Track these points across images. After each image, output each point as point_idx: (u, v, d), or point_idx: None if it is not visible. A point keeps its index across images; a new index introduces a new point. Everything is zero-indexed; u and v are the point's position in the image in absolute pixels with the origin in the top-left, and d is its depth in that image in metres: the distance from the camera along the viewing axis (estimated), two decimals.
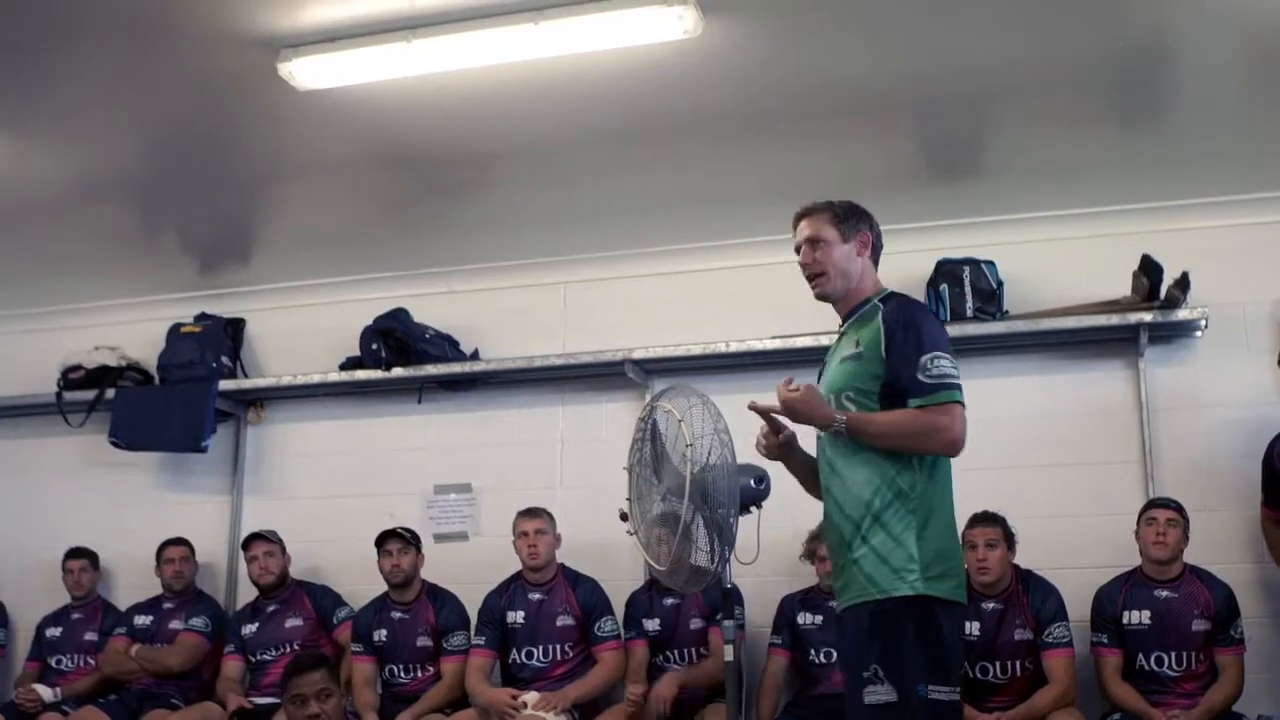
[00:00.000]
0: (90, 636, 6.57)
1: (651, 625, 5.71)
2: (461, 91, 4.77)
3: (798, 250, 3.62)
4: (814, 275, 3.59)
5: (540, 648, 5.73)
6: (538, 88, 4.76)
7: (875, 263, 3.66)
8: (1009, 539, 5.20)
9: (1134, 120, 5.17)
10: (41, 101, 4.92)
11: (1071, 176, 5.60)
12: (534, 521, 5.80)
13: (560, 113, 5.00)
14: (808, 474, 3.69)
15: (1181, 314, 5.53)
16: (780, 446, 3.64)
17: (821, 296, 3.62)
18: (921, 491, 3.38)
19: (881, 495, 3.37)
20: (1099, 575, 5.33)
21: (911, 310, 3.51)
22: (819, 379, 3.68)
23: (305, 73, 4.51)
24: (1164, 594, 5.13)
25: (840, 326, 3.65)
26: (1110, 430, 5.75)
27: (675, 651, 5.66)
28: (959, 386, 3.37)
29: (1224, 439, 5.61)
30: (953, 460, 3.48)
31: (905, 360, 3.37)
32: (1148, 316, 5.55)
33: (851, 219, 3.60)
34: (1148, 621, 5.12)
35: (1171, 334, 5.75)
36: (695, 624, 5.62)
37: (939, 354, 3.37)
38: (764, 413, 3.58)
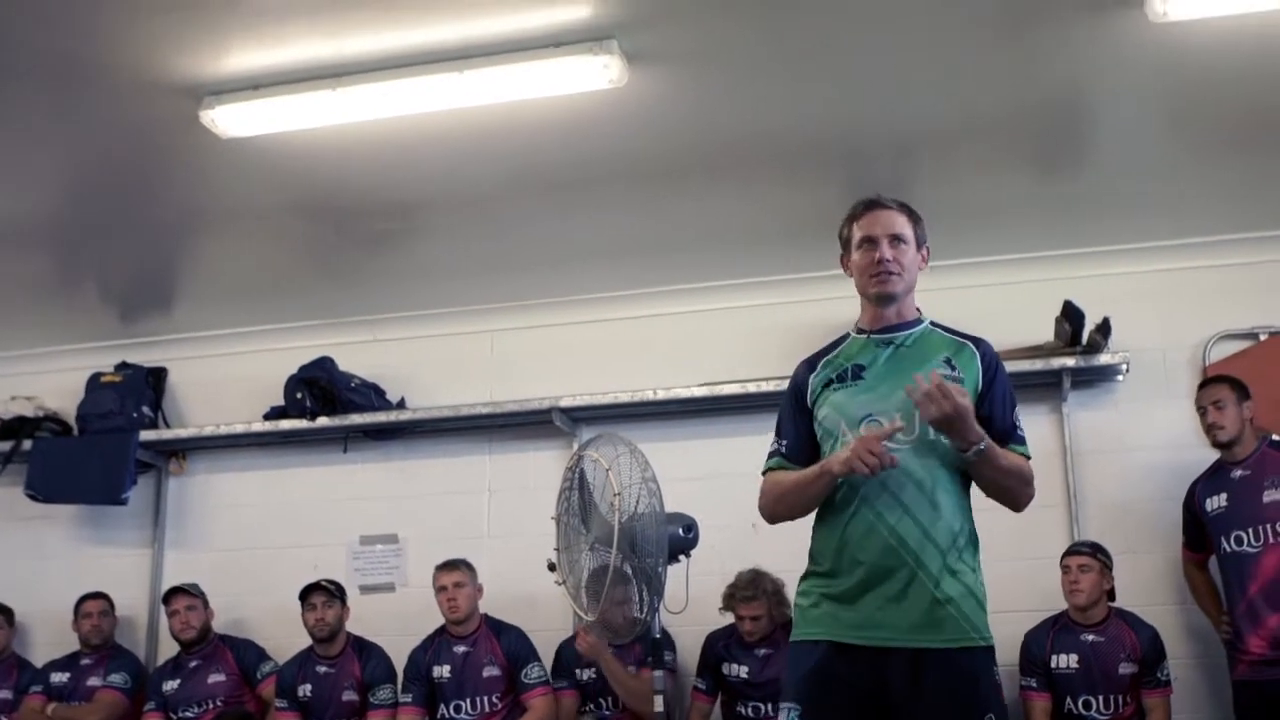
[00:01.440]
0: (4, 694, 6.40)
1: (586, 675, 5.65)
2: (387, 140, 4.75)
3: (871, 241, 3.24)
4: (888, 273, 3.23)
5: (468, 700, 5.66)
6: (463, 136, 4.74)
7: None
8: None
9: (1054, 168, 5.25)
10: None
11: (994, 223, 5.67)
12: (452, 575, 5.74)
13: (486, 161, 4.99)
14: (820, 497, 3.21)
15: (1103, 359, 5.62)
16: (893, 465, 3.03)
17: (884, 296, 3.25)
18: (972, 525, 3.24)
19: (966, 531, 3.17)
20: (1026, 619, 5.36)
21: (998, 356, 3.33)
22: (849, 388, 3.24)
23: (228, 120, 4.46)
24: (1090, 638, 5.16)
25: (870, 331, 3.30)
26: (1035, 474, 5.78)
27: (609, 699, 5.61)
28: None
29: (1147, 482, 5.69)
30: None
31: (1007, 405, 3.22)
32: (1070, 362, 5.63)
33: (922, 226, 3.36)
34: (1076, 665, 5.15)
35: (1094, 379, 5.83)
36: (631, 670, 5.57)
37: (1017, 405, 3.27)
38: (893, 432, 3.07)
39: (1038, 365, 5.66)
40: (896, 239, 3.25)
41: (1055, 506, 5.74)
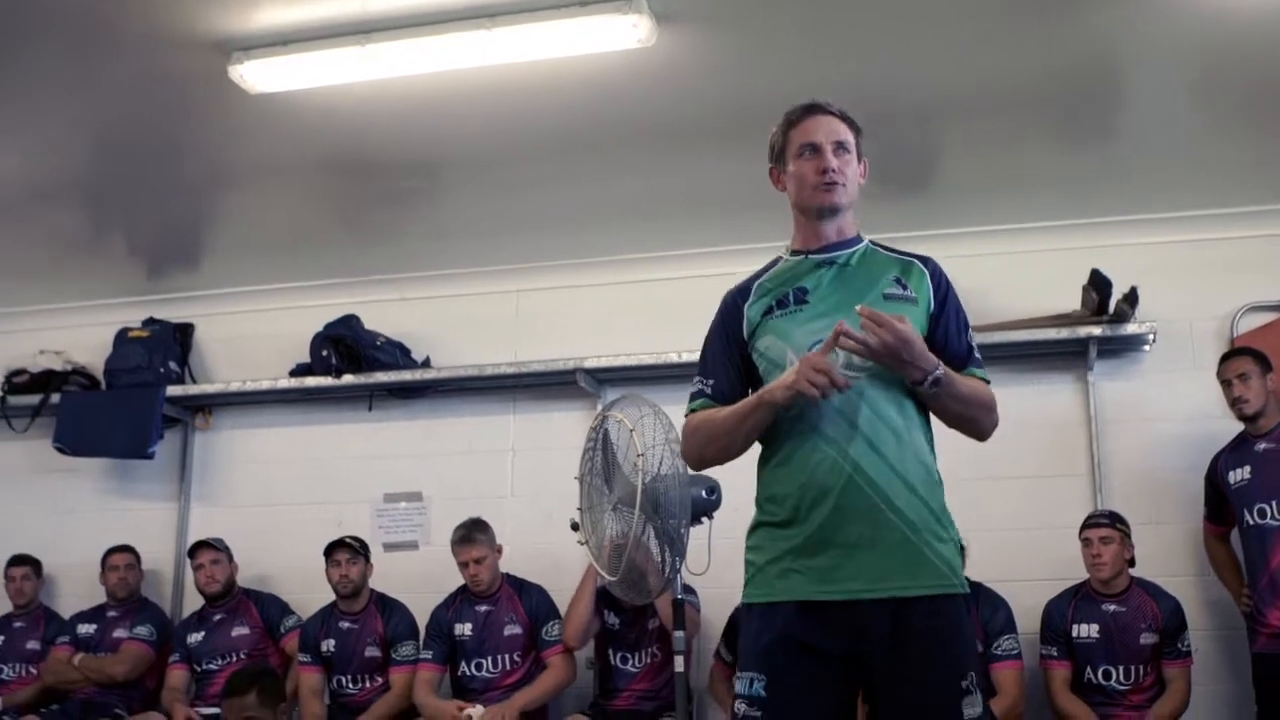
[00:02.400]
0: (33, 645, 6.47)
1: (613, 619, 5.67)
2: (414, 97, 4.74)
3: (814, 149, 2.93)
4: (834, 183, 2.90)
5: (489, 659, 5.69)
6: (491, 94, 4.74)
7: None
8: (959, 551, 5.21)
9: (1083, 137, 5.21)
10: None
11: (1021, 191, 5.64)
12: (471, 550, 5.71)
13: (514, 120, 4.98)
14: (763, 426, 2.88)
15: (1130, 328, 5.58)
16: (844, 387, 2.69)
17: (828, 209, 2.93)
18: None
19: (935, 467, 2.85)
20: (1048, 588, 5.37)
21: (946, 273, 3.01)
22: (793, 314, 2.92)
23: (257, 76, 4.47)
24: (1112, 608, 5.16)
25: (809, 251, 2.99)
26: (1059, 443, 5.79)
27: (635, 654, 5.63)
28: None
29: (1170, 453, 5.67)
30: None
31: (961, 325, 2.92)
32: (1096, 331, 5.60)
33: (862, 137, 3.02)
34: (1096, 635, 5.15)
35: (1120, 348, 5.80)
36: (653, 624, 5.59)
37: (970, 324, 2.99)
38: (850, 339, 2.69)
39: (1064, 333, 5.64)
40: (840, 146, 2.93)
41: (1079, 475, 5.74)
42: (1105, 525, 5.20)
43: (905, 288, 2.89)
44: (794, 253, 3.01)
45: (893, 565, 2.70)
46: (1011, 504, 5.71)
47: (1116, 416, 5.79)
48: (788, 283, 2.95)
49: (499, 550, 5.84)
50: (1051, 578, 5.41)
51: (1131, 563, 5.24)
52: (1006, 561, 5.50)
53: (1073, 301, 5.73)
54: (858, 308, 2.69)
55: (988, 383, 2.90)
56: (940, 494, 2.82)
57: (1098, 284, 5.58)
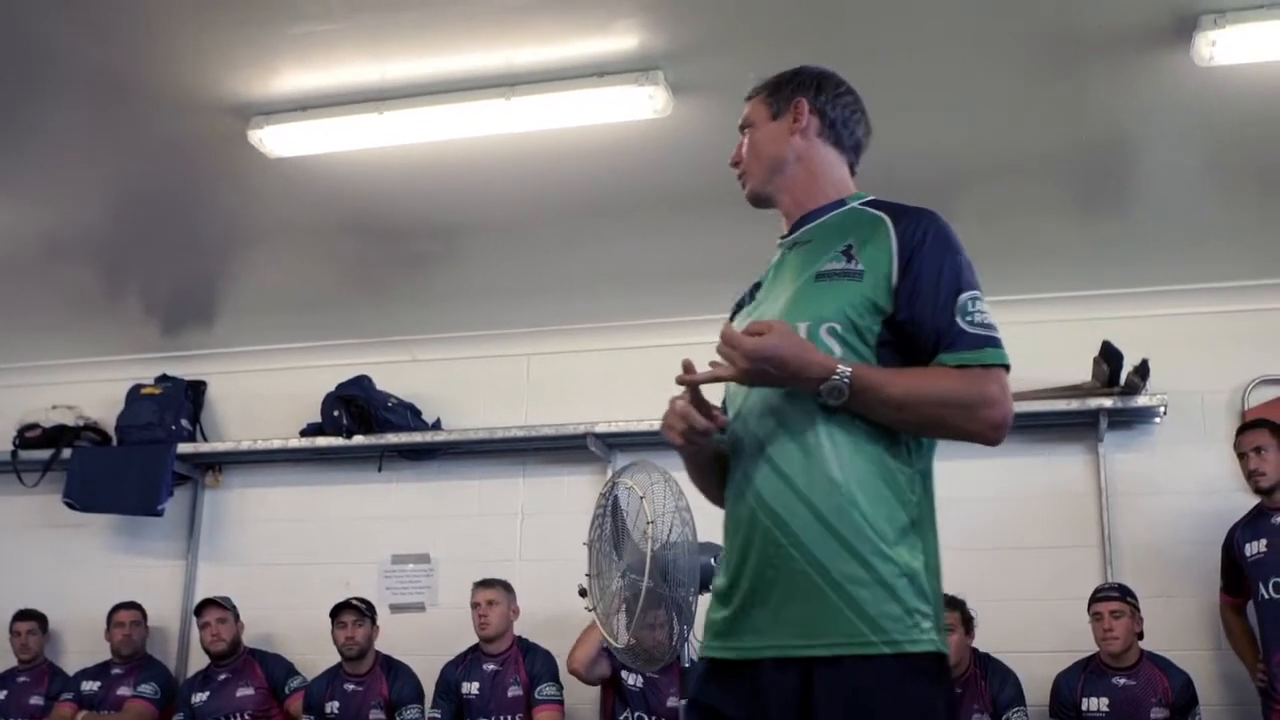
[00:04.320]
0: (36, 700, 6.46)
1: (632, 680, 5.60)
2: (431, 163, 4.79)
3: None
4: (740, 176, 2.54)
5: (493, 718, 5.68)
6: (507, 161, 4.78)
7: (845, 151, 2.53)
8: (967, 622, 5.19)
9: (1095, 208, 5.23)
10: (8, 158, 4.92)
11: (1034, 262, 5.66)
12: (486, 592, 5.79)
13: (528, 186, 5.02)
14: (713, 463, 2.39)
15: (1141, 400, 5.58)
16: (705, 432, 2.26)
17: (751, 199, 2.55)
18: (921, 490, 2.23)
19: (872, 485, 2.15)
20: (1057, 660, 5.33)
21: (940, 224, 2.27)
22: (743, 314, 2.49)
23: (276, 140, 4.52)
24: (1122, 681, 5.12)
25: (782, 238, 2.49)
26: (1069, 514, 5.77)
27: (652, 716, 5.57)
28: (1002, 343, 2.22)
29: (1182, 525, 5.64)
30: None
31: (939, 294, 2.18)
32: (1108, 402, 5.60)
33: (785, 88, 2.50)
34: (1106, 709, 5.10)
35: (1131, 420, 5.79)
36: (672, 701, 5.53)
37: (979, 294, 2.22)
38: (698, 383, 2.25)
39: (1075, 405, 5.64)
40: (743, 129, 2.54)
41: (1089, 547, 5.72)
42: (1116, 598, 5.17)
43: (851, 259, 2.24)
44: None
45: (792, 616, 2.12)
46: (1021, 575, 5.68)
47: (1127, 488, 5.77)
48: (761, 279, 2.52)
49: (515, 610, 5.85)
50: (1061, 649, 5.38)
51: (1140, 636, 5.21)
52: (1016, 632, 5.48)
53: (1084, 373, 5.73)
54: (809, 277, 2.27)
55: (986, 367, 2.17)
56: (862, 518, 2.12)
57: (1109, 355, 5.58)
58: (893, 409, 2.14)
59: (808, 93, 2.48)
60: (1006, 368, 2.20)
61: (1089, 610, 5.22)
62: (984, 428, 2.17)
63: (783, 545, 2.14)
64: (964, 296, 2.19)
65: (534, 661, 5.80)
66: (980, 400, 2.15)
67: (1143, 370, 5.53)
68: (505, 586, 5.85)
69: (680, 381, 2.24)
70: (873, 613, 2.08)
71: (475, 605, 5.78)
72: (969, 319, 2.18)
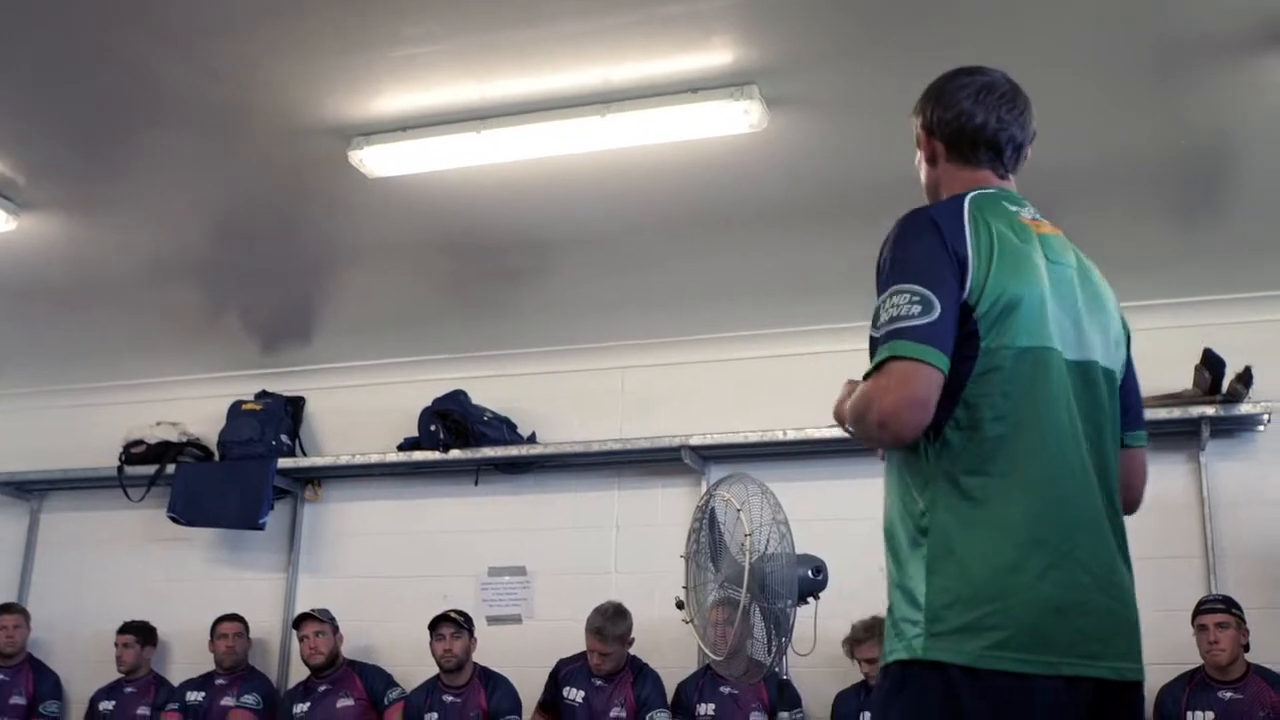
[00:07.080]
0: (143, 711, 6.60)
1: (706, 710, 5.65)
2: (528, 180, 4.84)
3: None
4: None
5: None
6: (602, 177, 4.82)
7: (964, 157, 2.45)
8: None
9: (1196, 215, 5.17)
10: (115, 183, 5.06)
11: (1134, 269, 5.56)
12: (600, 643, 5.79)
13: (623, 201, 5.06)
14: None
15: (1244, 408, 5.49)
16: None
17: None
18: (935, 494, 2.12)
19: (907, 515, 2.17)
20: (1160, 673, 5.25)
21: (898, 224, 2.24)
22: None
23: (375, 160, 4.59)
24: (1228, 695, 5.05)
25: None
26: (1171, 525, 5.69)
27: None
28: (915, 331, 2.06)
29: None
30: None
31: (878, 309, 2.15)
32: (1210, 410, 5.51)
33: (914, 116, 2.49)
34: None
35: (1234, 428, 5.70)
36: (755, 716, 5.55)
37: (900, 286, 2.12)
38: None
39: (1176, 413, 5.55)
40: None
41: (1193, 558, 5.63)
42: (1221, 610, 5.09)
43: None
44: None
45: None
46: None
47: (1230, 498, 5.68)
48: None
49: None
50: (1163, 662, 5.29)
51: (1246, 648, 5.12)
52: None
53: (1185, 380, 5.64)
54: None
55: (879, 367, 2.07)
56: (895, 533, 2.19)
57: (1211, 363, 5.50)
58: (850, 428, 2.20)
59: (923, 117, 2.45)
60: (901, 359, 2.05)
61: (1193, 622, 5.14)
62: (873, 431, 2.09)
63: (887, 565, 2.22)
64: (878, 301, 2.15)
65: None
66: (865, 407, 2.08)
67: (1246, 378, 5.44)
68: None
69: None
70: (896, 628, 2.13)
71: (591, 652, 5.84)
72: (877, 325, 2.12)
